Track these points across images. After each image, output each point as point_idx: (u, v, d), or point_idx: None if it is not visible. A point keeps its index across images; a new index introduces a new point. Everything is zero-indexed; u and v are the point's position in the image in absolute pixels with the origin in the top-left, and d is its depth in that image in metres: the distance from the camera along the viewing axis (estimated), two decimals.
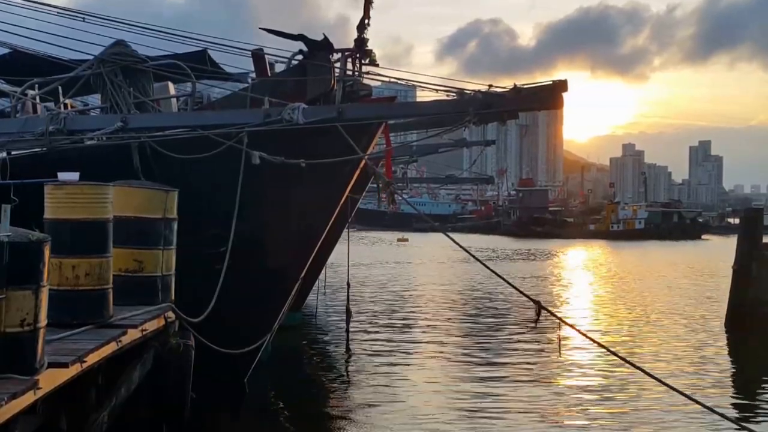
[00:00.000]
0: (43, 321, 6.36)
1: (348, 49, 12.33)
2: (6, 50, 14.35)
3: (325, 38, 12.46)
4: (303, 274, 14.06)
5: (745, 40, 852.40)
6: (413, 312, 26.07)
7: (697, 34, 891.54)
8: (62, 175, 8.84)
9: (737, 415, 13.43)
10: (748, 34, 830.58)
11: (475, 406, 13.88)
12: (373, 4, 12.25)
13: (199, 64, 13.81)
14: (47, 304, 6.47)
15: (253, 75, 14.27)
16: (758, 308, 21.87)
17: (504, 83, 11.41)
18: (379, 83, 13.59)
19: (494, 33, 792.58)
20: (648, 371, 10.41)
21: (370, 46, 12.37)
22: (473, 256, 11.39)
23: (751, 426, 12.05)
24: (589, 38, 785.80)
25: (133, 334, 8.60)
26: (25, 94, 13.35)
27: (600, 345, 11.27)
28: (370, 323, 23.01)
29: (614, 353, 11.08)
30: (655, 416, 13.35)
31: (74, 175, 8.84)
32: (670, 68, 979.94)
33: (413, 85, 13.21)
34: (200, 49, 14.46)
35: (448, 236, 12.27)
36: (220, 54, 14.35)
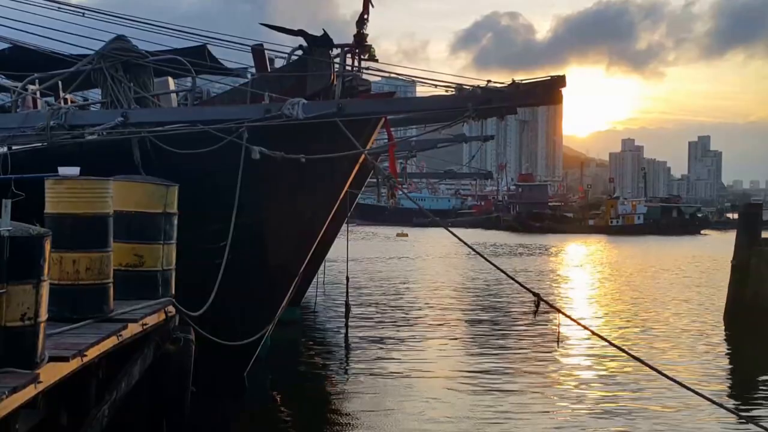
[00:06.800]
0: (43, 315, 6.39)
1: (347, 45, 12.35)
2: (6, 45, 14.38)
3: (325, 34, 12.48)
4: (302, 269, 14.09)
5: (760, 36, 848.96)
6: (412, 306, 26.11)
7: (711, 31, 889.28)
8: (63, 170, 8.85)
9: (735, 406, 13.50)
10: (762, 31, 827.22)
11: (475, 397, 13.93)
12: (372, 2, 12.27)
13: (198, 59, 13.85)
14: (48, 299, 6.50)
15: (253, 70, 14.31)
16: (757, 302, 21.94)
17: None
18: (378, 79, 13.61)
19: (511, 27, 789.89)
20: (646, 361, 10.46)
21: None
22: (474, 250, 11.43)
23: (748, 416, 12.14)
24: (603, 33, 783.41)
25: (133, 329, 8.63)
26: (26, 89, 13.38)
27: (598, 336, 11.32)
28: (369, 317, 23.05)
29: (613, 344, 11.14)
30: (652, 406, 13.44)
31: (75, 170, 8.86)
32: (678, 65, 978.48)
33: (412, 80, 13.23)
34: (200, 44, 14.49)
35: (449, 231, 12.31)
36: (220, 49, 14.39)
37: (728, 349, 19.93)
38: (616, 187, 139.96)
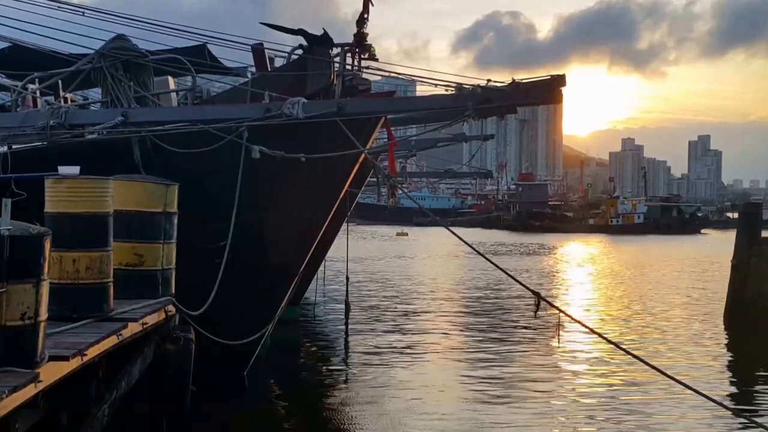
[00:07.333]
0: (43, 315, 6.38)
1: (348, 44, 12.35)
2: (6, 44, 14.38)
3: (325, 33, 12.48)
4: (302, 268, 14.09)
5: (761, 36, 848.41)
6: (412, 305, 26.12)
7: (713, 30, 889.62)
8: (63, 169, 8.84)
9: (734, 404, 13.50)
10: (763, 30, 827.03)
11: (475, 396, 13.94)
12: (372, 1, 12.27)
13: (198, 58, 13.85)
14: (48, 298, 6.49)
15: (253, 69, 14.31)
16: (757, 302, 21.94)
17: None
18: (378, 78, 13.60)
19: (513, 26, 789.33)
20: (646, 360, 10.45)
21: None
22: (474, 249, 11.41)
23: (748, 414, 12.14)
24: (605, 32, 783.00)
25: (133, 328, 8.62)
26: (26, 89, 13.37)
27: (598, 335, 11.32)
28: (369, 316, 23.05)
29: (613, 343, 11.15)
30: (652, 405, 13.45)
31: (75, 169, 8.85)
32: (679, 65, 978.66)
33: (413, 79, 13.23)
34: (200, 43, 14.49)
35: (449, 230, 12.33)
36: (221, 49, 14.39)
37: (728, 349, 19.93)
38: (616, 187, 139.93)
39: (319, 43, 12.50)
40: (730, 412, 12.14)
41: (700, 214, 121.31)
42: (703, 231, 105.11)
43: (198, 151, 11.28)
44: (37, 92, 13.81)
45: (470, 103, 11.37)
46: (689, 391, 10.26)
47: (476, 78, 11.84)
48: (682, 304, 27.91)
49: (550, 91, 11.24)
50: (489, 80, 11.57)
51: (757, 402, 14.35)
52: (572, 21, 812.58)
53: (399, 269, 39.86)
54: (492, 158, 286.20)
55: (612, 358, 16.91)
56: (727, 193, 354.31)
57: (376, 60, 12.69)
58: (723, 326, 22.65)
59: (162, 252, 10.38)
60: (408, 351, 18.12)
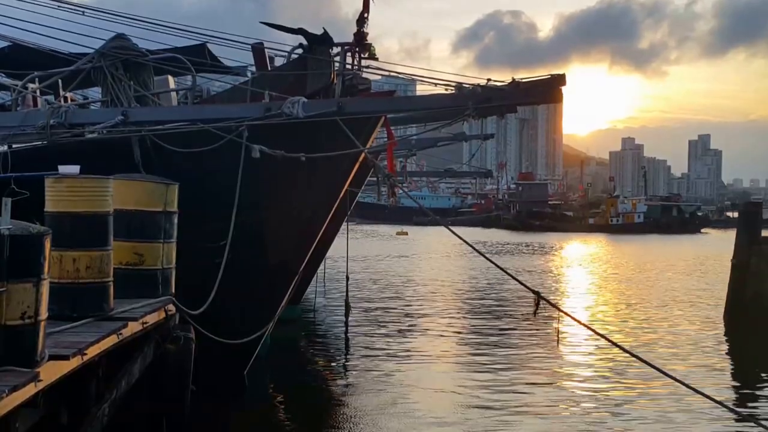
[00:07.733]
0: (43, 314, 6.39)
1: (348, 43, 12.35)
2: (6, 43, 14.38)
3: (325, 32, 12.48)
4: (302, 267, 14.09)
5: (762, 35, 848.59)
6: (412, 304, 26.11)
7: (713, 30, 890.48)
8: (63, 169, 8.84)
9: (734, 404, 13.50)
10: (764, 30, 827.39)
11: (474, 396, 13.94)
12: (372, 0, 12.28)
13: (198, 57, 13.85)
14: (48, 297, 6.49)
15: (253, 69, 14.31)
16: (757, 302, 21.94)
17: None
18: (378, 77, 13.60)
19: (514, 25, 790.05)
20: (646, 360, 10.45)
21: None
22: (474, 249, 11.40)
23: (748, 415, 12.14)
24: (606, 32, 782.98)
25: (133, 327, 8.62)
26: (26, 88, 13.37)
27: (598, 334, 11.32)
28: (369, 316, 23.04)
29: (613, 342, 11.13)
30: (653, 404, 13.45)
31: (75, 169, 8.85)
32: (680, 64, 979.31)
33: (413, 79, 13.23)
34: (200, 42, 14.49)
35: (449, 229, 12.32)
36: (221, 48, 14.39)
37: (728, 349, 19.93)
38: (616, 186, 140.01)
39: (319, 43, 12.50)
40: (730, 412, 12.14)
41: (700, 214, 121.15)
42: (703, 230, 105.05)
43: (198, 150, 11.28)
44: (37, 91, 13.81)
45: (470, 103, 11.37)
46: (689, 391, 10.26)
47: (476, 77, 11.84)
48: (682, 303, 27.90)
49: (550, 90, 11.24)
50: (489, 79, 11.57)
51: (757, 402, 14.34)
52: (573, 20, 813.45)
53: (399, 268, 39.83)
54: (492, 157, 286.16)
55: (612, 358, 16.91)
56: (727, 193, 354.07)
57: (376, 59, 12.70)
58: (723, 326, 22.64)
59: (162, 251, 10.38)
60: (408, 351, 18.12)
